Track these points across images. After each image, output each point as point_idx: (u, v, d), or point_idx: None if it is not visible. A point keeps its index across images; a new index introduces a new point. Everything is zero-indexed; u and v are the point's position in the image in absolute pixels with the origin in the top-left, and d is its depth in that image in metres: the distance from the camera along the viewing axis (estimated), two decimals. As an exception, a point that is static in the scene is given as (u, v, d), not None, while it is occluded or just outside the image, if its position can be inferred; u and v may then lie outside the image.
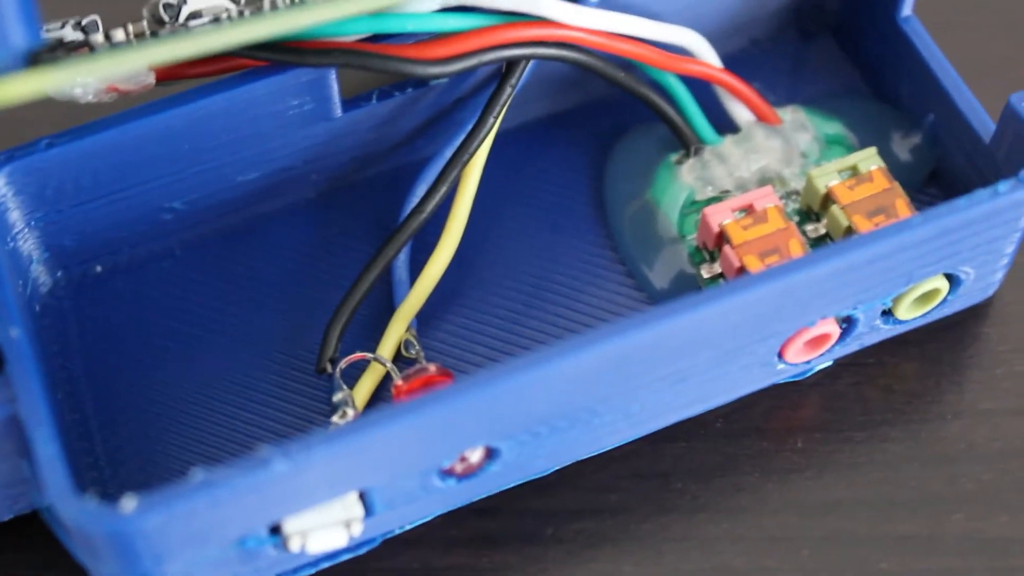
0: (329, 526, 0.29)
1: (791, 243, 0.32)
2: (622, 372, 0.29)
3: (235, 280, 0.34)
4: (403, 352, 0.32)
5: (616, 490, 0.32)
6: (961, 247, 0.31)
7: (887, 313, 0.33)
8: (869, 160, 0.33)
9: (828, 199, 0.33)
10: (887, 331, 0.33)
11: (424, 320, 0.33)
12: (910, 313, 0.33)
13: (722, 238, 0.32)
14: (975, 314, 0.34)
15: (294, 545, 0.29)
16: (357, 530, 0.29)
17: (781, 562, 0.31)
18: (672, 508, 0.32)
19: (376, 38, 0.32)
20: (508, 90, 0.32)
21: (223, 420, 0.32)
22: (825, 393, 0.33)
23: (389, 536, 0.31)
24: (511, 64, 0.32)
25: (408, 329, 0.32)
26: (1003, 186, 0.30)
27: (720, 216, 0.32)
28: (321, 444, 0.27)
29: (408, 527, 0.31)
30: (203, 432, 0.32)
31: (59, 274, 0.34)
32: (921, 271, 0.31)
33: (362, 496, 0.29)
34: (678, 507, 0.32)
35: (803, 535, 0.32)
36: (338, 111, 0.33)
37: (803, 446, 0.33)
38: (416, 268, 0.33)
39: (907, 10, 0.34)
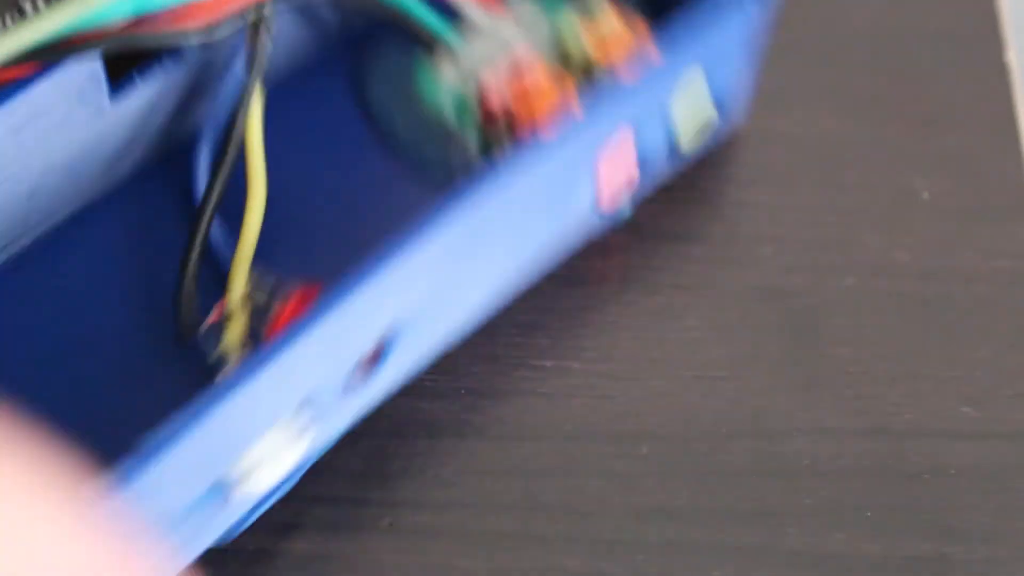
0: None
1: (566, 83, 0.34)
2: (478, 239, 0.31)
3: (64, 290, 0.33)
4: (253, 299, 0.32)
5: (456, 485, 0.32)
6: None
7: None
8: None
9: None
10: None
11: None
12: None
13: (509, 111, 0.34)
14: (832, 336, 0.35)
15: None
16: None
17: (616, 565, 0.32)
18: (511, 507, 0.32)
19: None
20: (264, 41, 0.33)
21: (105, 419, 0.31)
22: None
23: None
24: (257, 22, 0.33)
25: (250, 276, 0.32)
26: None
27: (497, 88, 0.34)
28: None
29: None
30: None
31: None
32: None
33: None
34: (517, 506, 0.32)
35: (640, 540, 0.32)
36: (106, 103, 0.33)
37: (648, 452, 0.33)
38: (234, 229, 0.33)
39: None
